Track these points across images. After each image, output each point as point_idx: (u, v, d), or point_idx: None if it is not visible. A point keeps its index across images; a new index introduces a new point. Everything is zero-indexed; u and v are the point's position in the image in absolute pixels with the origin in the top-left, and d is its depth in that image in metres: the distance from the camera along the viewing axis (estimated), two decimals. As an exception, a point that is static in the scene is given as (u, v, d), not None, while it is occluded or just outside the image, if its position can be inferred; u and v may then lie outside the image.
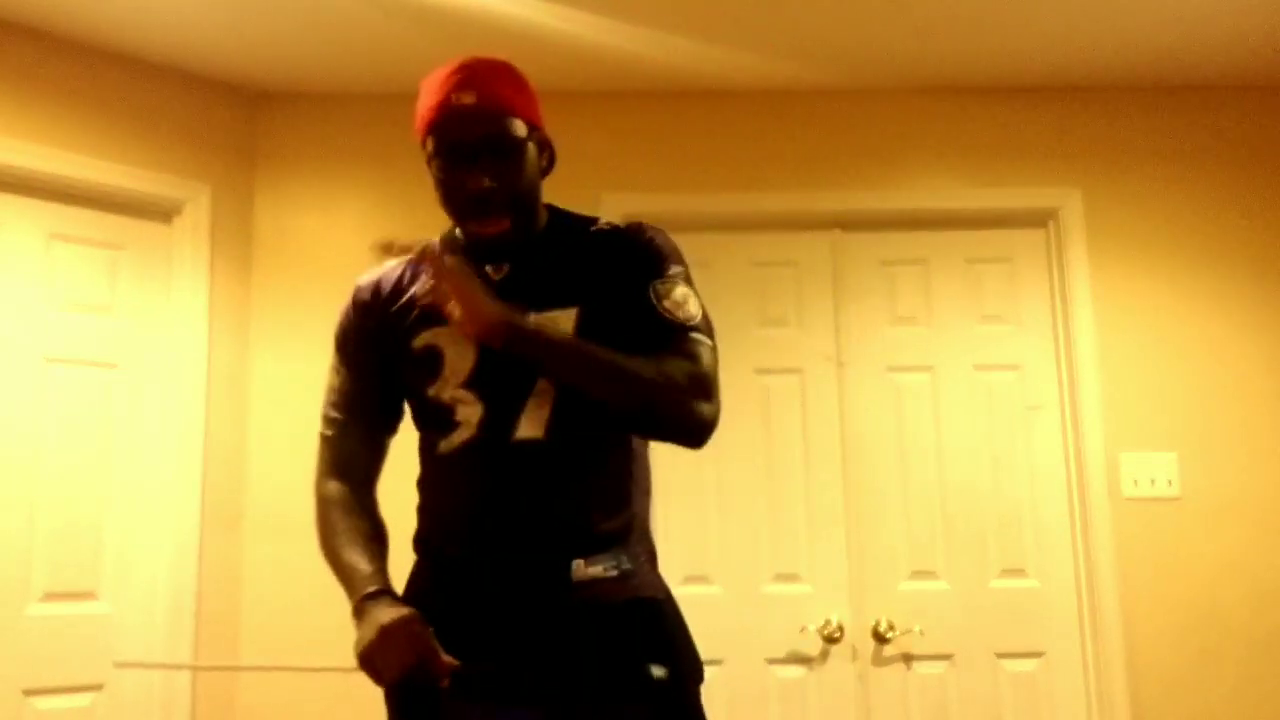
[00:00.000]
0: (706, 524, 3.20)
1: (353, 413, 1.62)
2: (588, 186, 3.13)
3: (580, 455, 1.50)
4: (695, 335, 1.49)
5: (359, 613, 1.44)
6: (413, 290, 1.58)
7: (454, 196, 1.52)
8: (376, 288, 1.63)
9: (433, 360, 1.53)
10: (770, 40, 3.07)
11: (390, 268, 1.64)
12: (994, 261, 3.36)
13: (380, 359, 1.59)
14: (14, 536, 2.82)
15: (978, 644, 3.16)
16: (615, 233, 1.58)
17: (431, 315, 1.51)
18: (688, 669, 1.49)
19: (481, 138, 1.50)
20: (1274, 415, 3.22)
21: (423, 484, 1.60)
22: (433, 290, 1.42)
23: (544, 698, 1.42)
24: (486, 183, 1.49)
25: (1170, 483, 3.17)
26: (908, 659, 3.15)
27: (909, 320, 3.34)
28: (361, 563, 1.50)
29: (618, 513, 1.51)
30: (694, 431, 1.47)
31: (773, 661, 3.10)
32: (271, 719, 3.08)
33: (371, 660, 1.39)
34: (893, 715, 3.12)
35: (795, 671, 3.12)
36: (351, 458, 1.62)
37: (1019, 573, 3.20)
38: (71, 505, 2.92)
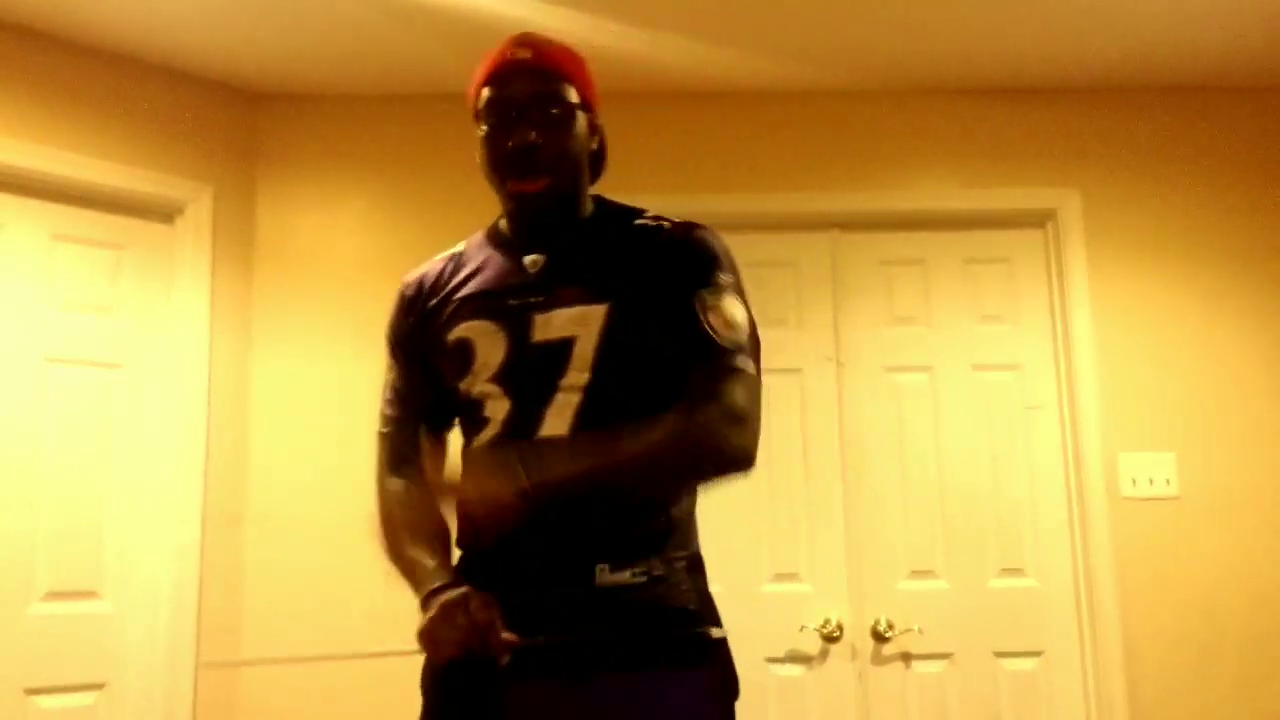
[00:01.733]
0: (706, 523, 3.19)
1: (407, 408, 1.61)
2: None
3: None
4: (737, 360, 1.44)
5: (425, 605, 1.41)
6: (451, 284, 1.57)
7: (498, 151, 1.49)
8: (420, 284, 1.63)
9: (465, 354, 1.51)
10: (770, 41, 3.08)
11: (434, 262, 1.64)
12: (993, 262, 3.36)
13: (425, 354, 1.58)
14: (16, 536, 2.83)
15: (977, 643, 3.17)
16: (661, 228, 1.53)
17: (465, 308, 1.52)
18: (723, 682, 1.46)
19: (533, 94, 1.49)
20: (1273, 415, 3.23)
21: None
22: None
23: (597, 671, 1.37)
24: (532, 137, 1.47)
25: (1169, 482, 3.18)
26: (907, 658, 3.15)
27: (908, 320, 3.35)
28: (425, 558, 1.47)
29: (652, 516, 1.46)
30: (736, 470, 1.44)
31: (772, 661, 3.11)
32: (273, 717, 3.09)
33: (432, 634, 1.36)
34: (892, 714, 3.12)
35: (794, 671, 3.13)
36: (410, 454, 1.59)
37: (1018, 572, 3.21)
38: (73, 505, 2.93)
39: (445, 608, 1.35)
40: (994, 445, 3.27)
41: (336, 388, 3.25)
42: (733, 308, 1.47)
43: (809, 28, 3.01)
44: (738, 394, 1.42)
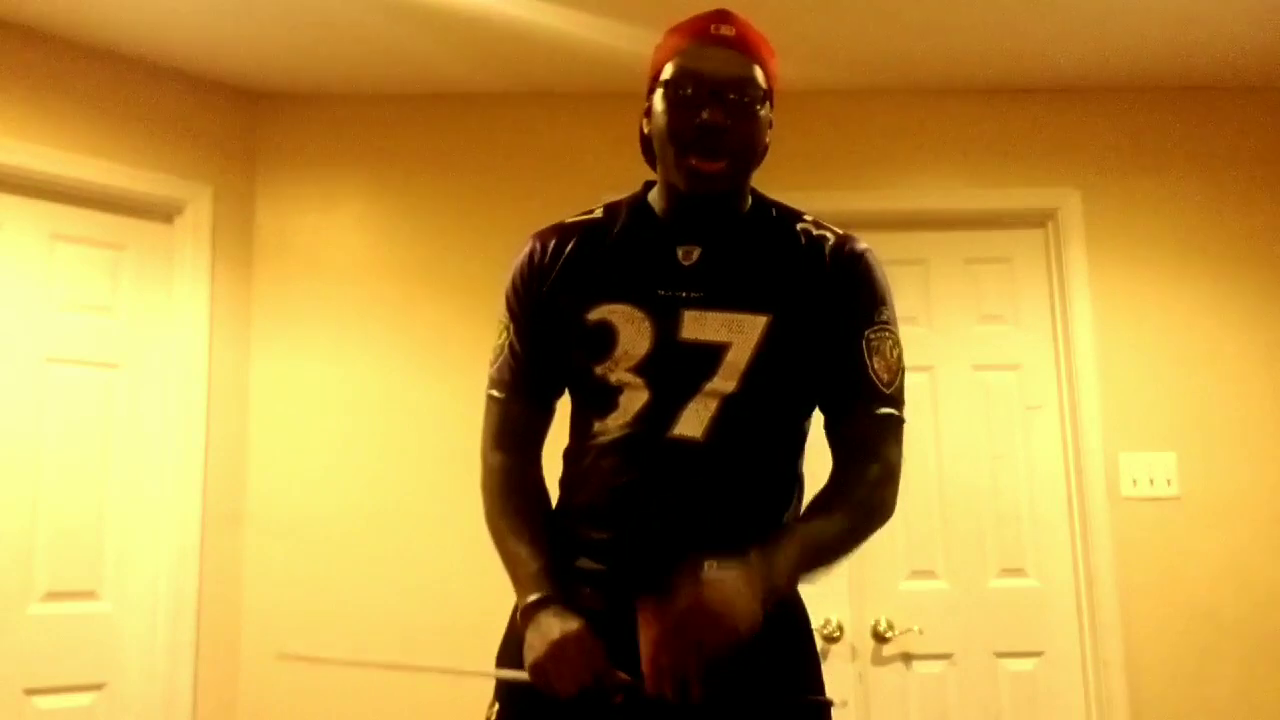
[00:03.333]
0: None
1: (522, 377, 1.53)
2: (588, 186, 3.12)
3: (737, 462, 1.42)
4: (895, 411, 1.45)
5: (526, 617, 1.39)
6: (593, 256, 1.49)
7: (684, 126, 1.41)
8: (556, 247, 1.51)
9: (606, 337, 1.43)
10: (771, 41, 3.07)
11: (571, 225, 1.54)
12: (993, 262, 3.36)
13: (552, 325, 1.49)
14: (15, 536, 2.83)
15: (977, 643, 3.16)
16: (826, 240, 1.50)
17: (609, 287, 1.45)
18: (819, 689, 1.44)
19: (731, 76, 1.43)
20: (1273, 415, 3.23)
21: (571, 459, 1.51)
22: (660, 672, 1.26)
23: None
24: (722, 118, 1.40)
25: (1169, 482, 3.18)
26: (907, 658, 3.15)
27: (908, 320, 3.29)
28: (527, 556, 1.44)
29: (772, 524, 1.43)
30: (886, 522, 1.47)
31: (772, 661, 3.11)
32: (273, 717, 3.09)
33: (545, 673, 1.33)
34: (892, 715, 3.12)
35: (795, 671, 3.12)
36: (518, 425, 1.54)
37: (1018, 572, 3.21)
38: (73, 505, 2.93)
39: (559, 645, 1.33)
40: (994, 445, 3.27)
41: (336, 387, 3.25)
42: (895, 350, 1.47)
43: (810, 28, 3.01)
44: (895, 451, 1.45)
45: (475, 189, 3.35)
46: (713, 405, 1.41)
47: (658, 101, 1.46)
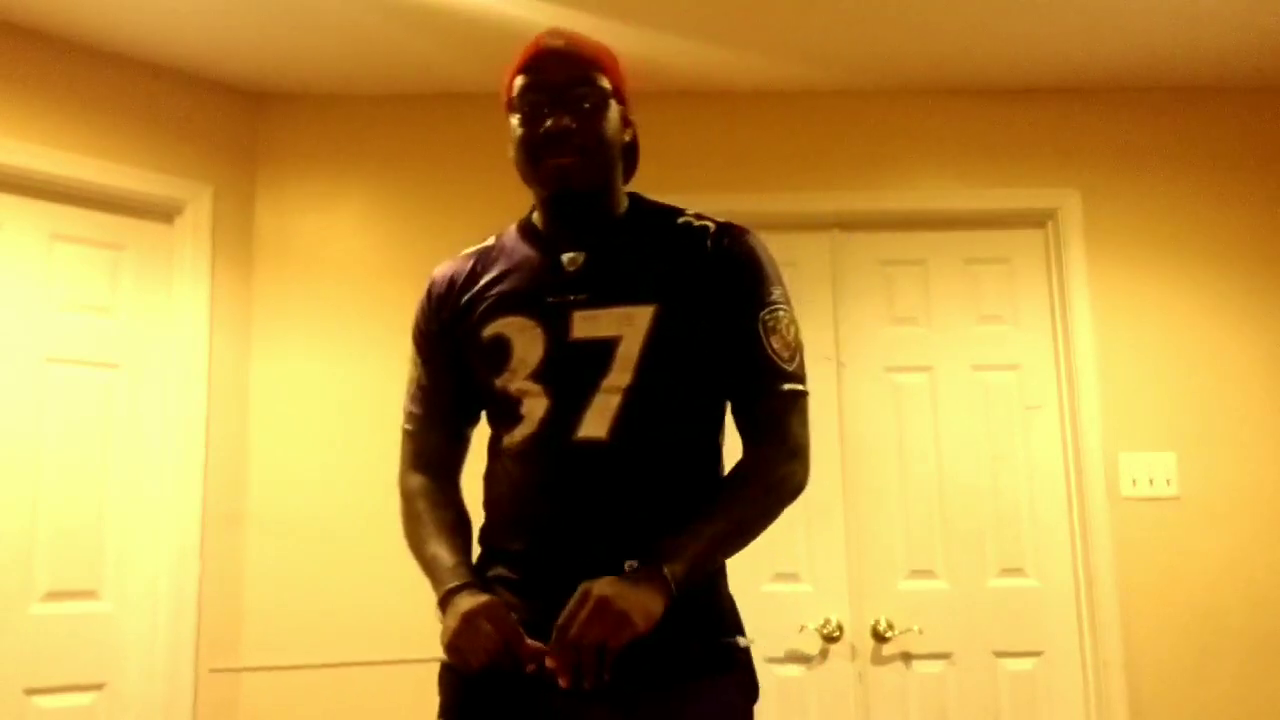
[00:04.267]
0: (706, 523, 3.20)
1: (433, 406, 1.61)
2: (587, 187, 3.14)
3: (645, 458, 1.44)
4: (797, 386, 1.50)
5: (444, 605, 1.42)
6: (484, 280, 1.55)
7: (533, 134, 1.48)
8: (451, 280, 1.59)
9: (501, 350, 1.49)
10: (770, 41, 3.08)
11: (463, 258, 1.61)
12: (993, 262, 3.36)
13: (455, 351, 1.57)
14: (16, 536, 2.83)
15: (976, 643, 3.16)
16: (707, 230, 1.53)
17: (501, 304, 1.51)
18: (742, 686, 1.48)
19: (567, 80, 1.49)
20: (1273, 415, 3.23)
21: (487, 478, 1.55)
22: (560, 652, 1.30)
23: (629, 680, 1.33)
24: (567, 121, 1.47)
25: (1169, 482, 3.18)
26: (907, 658, 3.15)
27: (908, 320, 3.35)
28: (445, 555, 1.48)
29: (679, 522, 1.42)
30: (795, 499, 1.51)
31: (772, 660, 3.11)
32: (273, 717, 3.09)
33: (458, 647, 1.36)
34: (892, 714, 3.12)
35: (794, 670, 3.12)
36: (433, 451, 1.61)
37: (1018, 572, 3.21)
38: (73, 505, 2.93)
39: (467, 617, 1.36)
40: (994, 445, 3.27)
41: (336, 387, 3.25)
42: (790, 328, 1.52)
43: (809, 28, 3.01)
44: (799, 426, 1.50)
45: (475, 189, 3.34)
46: (614, 403, 1.43)
47: (512, 122, 1.52)
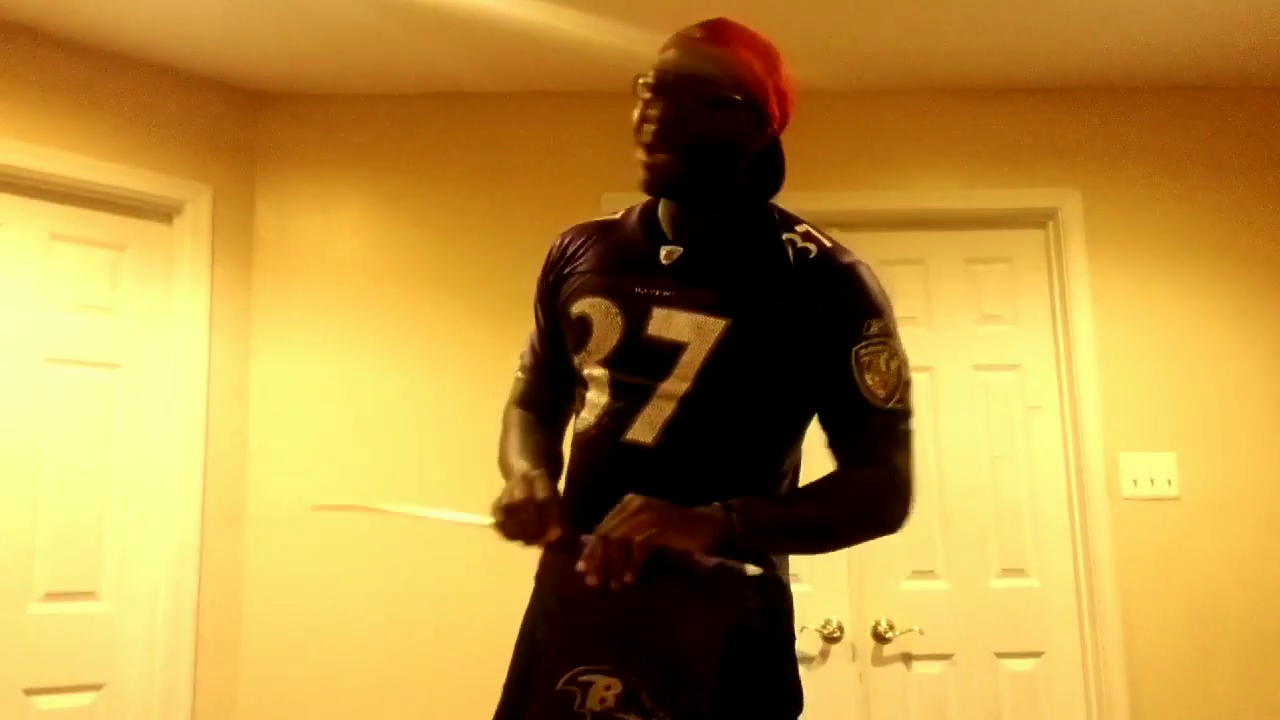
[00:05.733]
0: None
1: (540, 362, 1.65)
2: (588, 186, 3.13)
3: (688, 469, 1.41)
4: (899, 426, 1.44)
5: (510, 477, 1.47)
6: (589, 252, 1.55)
7: (635, 123, 1.45)
8: (566, 244, 1.59)
9: (585, 329, 1.49)
10: (766, 46, 3.07)
11: (589, 224, 1.60)
12: (993, 262, 3.36)
13: (556, 317, 1.58)
14: (15, 536, 2.83)
15: (977, 643, 3.16)
16: (808, 251, 1.47)
17: (592, 282, 1.51)
18: (790, 699, 1.42)
19: (680, 73, 1.44)
20: (1273, 415, 3.23)
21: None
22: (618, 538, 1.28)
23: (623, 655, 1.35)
24: (654, 113, 1.42)
25: (1169, 482, 3.18)
26: (907, 658, 3.15)
27: (908, 320, 3.31)
28: (521, 462, 1.50)
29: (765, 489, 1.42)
30: (887, 535, 1.46)
31: (772, 661, 3.10)
32: (273, 717, 3.09)
33: (499, 502, 1.38)
34: (892, 715, 3.12)
35: (795, 671, 3.12)
36: (534, 398, 1.65)
37: (1019, 572, 3.21)
38: (73, 505, 2.93)
39: (519, 479, 1.39)
40: (994, 445, 3.27)
41: (336, 387, 3.25)
42: (892, 363, 1.44)
43: (810, 28, 3.01)
44: (902, 459, 1.44)
45: (475, 189, 3.35)
46: (667, 410, 1.42)
47: None
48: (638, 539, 1.25)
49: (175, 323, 3.14)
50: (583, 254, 1.55)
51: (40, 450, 2.90)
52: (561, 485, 1.51)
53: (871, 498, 1.43)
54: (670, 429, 1.41)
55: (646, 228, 1.53)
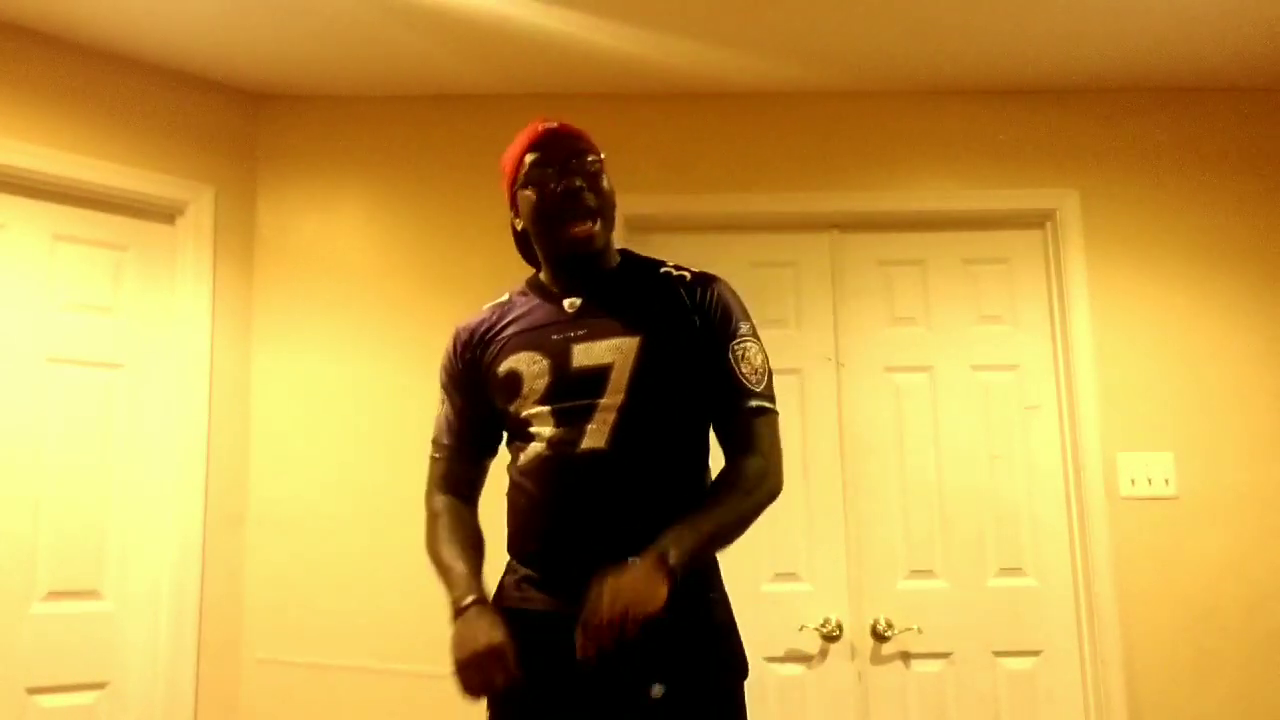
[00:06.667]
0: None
1: (457, 438, 1.86)
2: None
3: (640, 464, 1.67)
4: (765, 404, 1.74)
5: (457, 616, 1.64)
6: (499, 326, 1.81)
7: (550, 199, 1.74)
8: (473, 330, 1.84)
9: (515, 381, 1.74)
10: (769, 42, 3.09)
11: (484, 312, 1.86)
12: (992, 262, 3.37)
13: (478, 388, 1.81)
14: (18, 535, 2.84)
15: (976, 642, 3.17)
16: (683, 278, 1.79)
17: (513, 343, 1.77)
18: (731, 663, 1.69)
19: (571, 151, 1.76)
20: (1271, 415, 3.24)
21: (509, 496, 1.77)
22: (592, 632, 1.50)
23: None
24: (578, 182, 1.73)
25: (1167, 482, 3.18)
26: (906, 657, 3.16)
27: (907, 321, 3.35)
28: (458, 564, 1.71)
29: (676, 517, 1.63)
30: (771, 503, 1.73)
31: (771, 660, 3.12)
32: (274, 717, 3.10)
33: (463, 672, 1.60)
34: (891, 713, 3.13)
35: (794, 670, 3.13)
36: (455, 476, 1.86)
37: (1017, 571, 3.21)
38: (75, 505, 2.94)
39: (474, 658, 1.58)
40: (993, 445, 3.28)
41: (337, 387, 3.26)
42: (757, 356, 1.76)
43: (809, 28, 3.02)
44: (769, 439, 1.74)
45: (475, 189, 3.34)
46: (610, 419, 1.67)
47: (524, 194, 1.78)
48: (630, 616, 1.46)
49: (177, 323, 3.15)
50: (493, 329, 1.81)
51: (42, 450, 2.91)
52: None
53: (756, 483, 1.71)
54: (617, 433, 1.66)
55: (542, 294, 1.82)
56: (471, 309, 1.87)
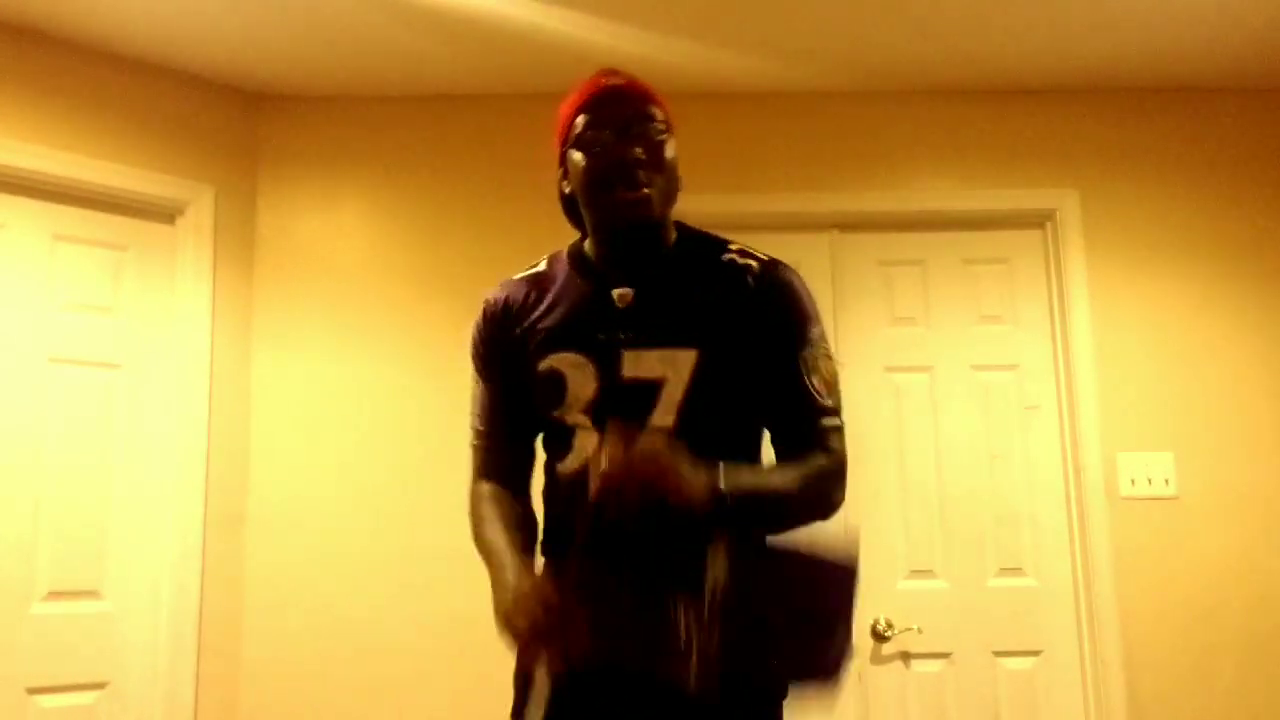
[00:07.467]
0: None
1: (495, 423, 1.67)
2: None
3: None
4: (837, 420, 1.56)
5: (495, 585, 1.50)
6: (538, 311, 1.61)
7: (603, 165, 1.53)
8: (505, 306, 1.65)
9: (557, 385, 1.55)
10: (770, 42, 3.09)
11: (517, 283, 1.66)
12: (992, 262, 3.37)
13: (510, 371, 1.63)
14: (18, 535, 2.84)
15: (976, 642, 3.17)
16: (749, 270, 1.58)
17: (553, 339, 1.57)
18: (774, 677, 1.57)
19: (632, 114, 1.55)
20: (1270, 415, 3.24)
21: (545, 497, 1.63)
22: (614, 464, 1.36)
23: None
24: (637, 152, 1.52)
25: (1167, 482, 3.18)
26: (906, 657, 3.16)
27: (907, 321, 3.35)
28: (500, 539, 1.55)
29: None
30: (830, 517, 1.57)
31: (772, 660, 3.11)
32: (274, 716, 3.10)
33: (509, 622, 1.42)
34: (891, 713, 3.13)
35: (794, 670, 3.13)
36: (500, 463, 1.68)
37: (1017, 571, 3.21)
38: (75, 505, 2.94)
39: (519, 596, 1.43)
40: (993, 445, 3.28)
41: (338, 387, 3.26)
42: (829, 366, 1.57)
43: (810, 28, 3.02)
44: (843, 451, 1.56)
45: (475, 189, 3.35)
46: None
47: (574, 156, 1.57)
48: (658, 484, 1.34)
49: (177, 323, 3.15)
50: (528, 313, 1.61)
51: (42, 450, 2.91)
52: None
53: (825, 480, 1.54)
54: None
55: (585, 274, 1.61)
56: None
